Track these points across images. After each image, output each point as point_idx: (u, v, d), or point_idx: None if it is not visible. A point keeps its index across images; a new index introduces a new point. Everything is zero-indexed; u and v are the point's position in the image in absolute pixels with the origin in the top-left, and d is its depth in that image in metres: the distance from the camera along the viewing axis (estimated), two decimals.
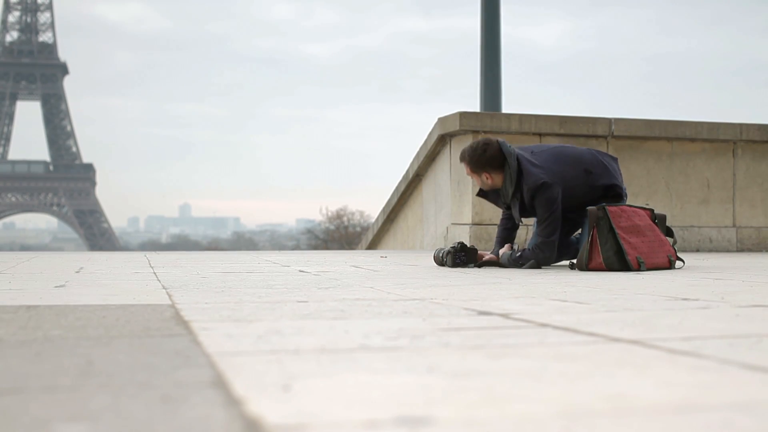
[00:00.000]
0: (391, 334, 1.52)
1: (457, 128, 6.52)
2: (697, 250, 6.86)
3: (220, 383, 1.06)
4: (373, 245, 8.76)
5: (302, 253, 6.25)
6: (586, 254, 3.76)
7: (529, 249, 4.06)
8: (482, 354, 1.30)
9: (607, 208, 3.80)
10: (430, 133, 7.11)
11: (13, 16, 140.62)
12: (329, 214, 36.19)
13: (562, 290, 2.59)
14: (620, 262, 3.72)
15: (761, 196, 7.17)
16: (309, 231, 42.33)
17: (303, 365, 1.19)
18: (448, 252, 4.06)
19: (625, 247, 3.73)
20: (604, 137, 6.75)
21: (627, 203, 4.09)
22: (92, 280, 3.02)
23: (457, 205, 6.73)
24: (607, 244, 3.74)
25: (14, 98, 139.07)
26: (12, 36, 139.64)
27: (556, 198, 4.03)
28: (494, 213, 6.49)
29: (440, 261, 4.12)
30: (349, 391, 1.01)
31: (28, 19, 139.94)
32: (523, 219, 4.26)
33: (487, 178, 4.17)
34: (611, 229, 3.76)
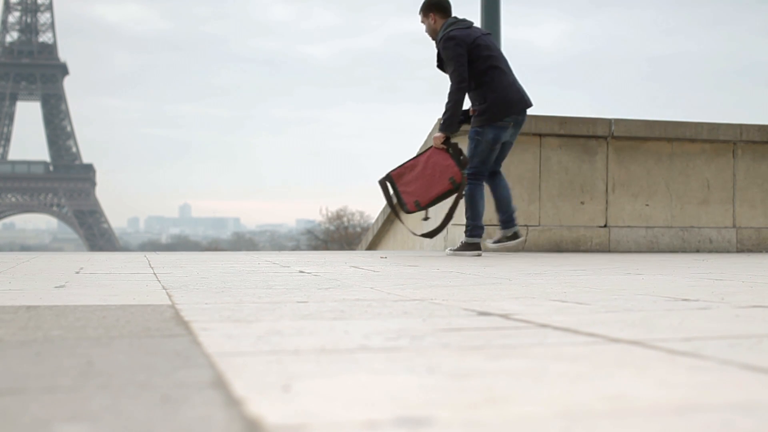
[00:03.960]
0: (391, 335, 1.52)
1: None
2: (697, 251, 6.86)
3: (220, 383, 1.06)
4: (373, 246, 8.76)
5: (302, 254, 6.25)
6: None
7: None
8: (482, 354, 1.30)
9: (391, 174, 5.38)
10: (430, 134, 7.10)
11: (13, 17, 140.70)
12: (329, 214, 36.25)
13: (562, 290, 2.59)
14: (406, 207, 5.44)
15: (761, 197, 7.17)
16: (309, 231, 42.36)
17: (303, 365, 1.19)
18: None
19: (404, 198, 5.40)
20: (604, 138, 6.75)
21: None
22: (92, 281, 3.02)
23: None
24: (400, 198, 5.43)
25: (14, 98, 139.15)
26: (12, 36, 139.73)
27: (461, 54, 5.20)
28: (494, 213, 6.49)
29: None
30: (349, 391, 1.01)
31: (28, 20, 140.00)
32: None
33: (432, 20, 5.38)
34: (396, 190, 5.41)
